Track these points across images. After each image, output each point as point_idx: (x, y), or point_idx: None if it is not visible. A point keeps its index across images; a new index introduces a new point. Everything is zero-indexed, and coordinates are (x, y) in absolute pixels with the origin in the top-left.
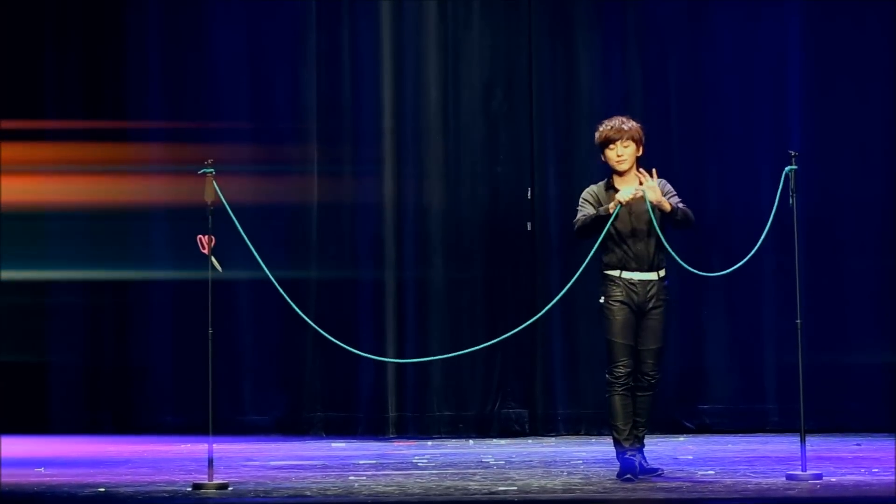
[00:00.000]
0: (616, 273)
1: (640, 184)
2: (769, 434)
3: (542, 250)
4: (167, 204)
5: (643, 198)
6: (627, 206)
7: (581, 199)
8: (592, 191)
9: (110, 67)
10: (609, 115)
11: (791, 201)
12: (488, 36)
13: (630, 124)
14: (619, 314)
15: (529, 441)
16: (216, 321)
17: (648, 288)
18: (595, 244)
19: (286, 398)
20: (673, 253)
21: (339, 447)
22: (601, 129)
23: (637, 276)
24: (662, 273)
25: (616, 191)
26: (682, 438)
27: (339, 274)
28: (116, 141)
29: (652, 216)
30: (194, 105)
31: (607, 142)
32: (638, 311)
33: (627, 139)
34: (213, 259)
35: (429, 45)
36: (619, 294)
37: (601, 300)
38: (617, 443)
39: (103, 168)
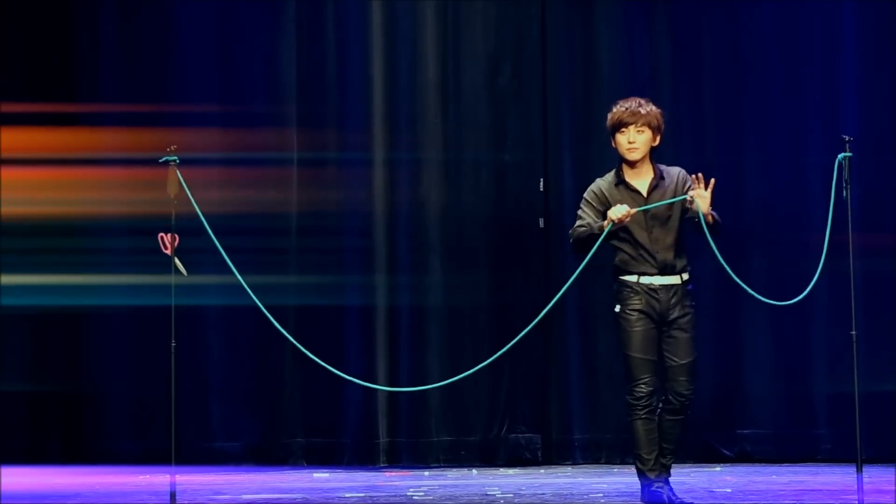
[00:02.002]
0: (633, 279)
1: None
2: (820, 464)
3: (556, 251)
4: (124, 198)
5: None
6: (634, 204)
7: (583, 200)
8: (598, 188)
9: (56, 42)
10: (632, 95)
11: (844, 194)
12: (494, 3)
13: (648, 108)
14: (637, 325)
15: (542, 471)
16: (180, 333)
17: (671, 294)
18: (592, 248)
19: (260, 422)
20: (731, 271)
21: (323, 478)
22: (615, 109)
23: (658, 280)
24: (686, 276)
25: (626, 185)
26: (718, 468)
27: (322, 279)
28: (63, 126)
29: (705, 228)
30: (154, 85)
31: (620, 125)
32: (660, 321)
33: (643, 124)
34: (178, 261)
35: (425, 13)
36: (637, 302)
37: (616, 309)
38: (641, 473)
39: (48, 158)
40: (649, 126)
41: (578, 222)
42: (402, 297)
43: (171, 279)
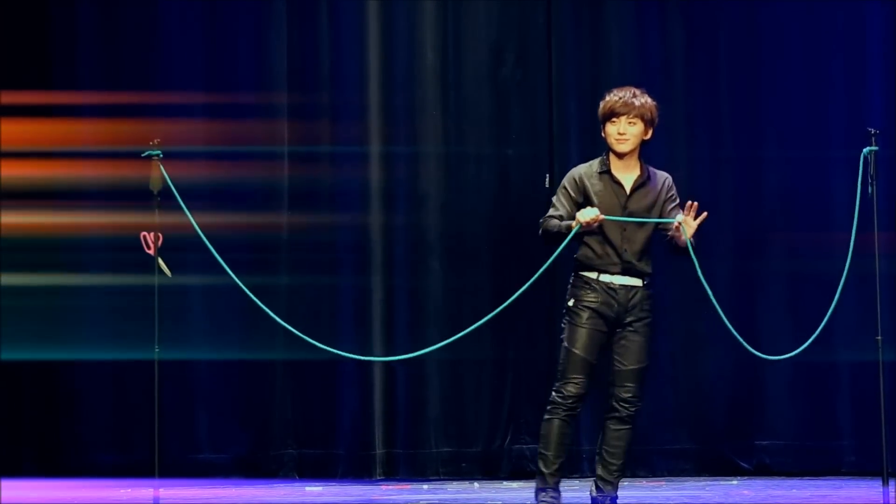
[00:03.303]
0: (593, 275)
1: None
2: (844, 477)
3: (562, 250)
4: (103, 194)
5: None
6: (621, 201)
7: (560, 189)
8: (578, 175)
9: (29, 25)
10: (644, 86)
11: (870, 190)
12: None
13: (643, 99)
14: (587, 323)
15: None
16: (164, 337)
17: (631, 295)
18: (559, 248)
19: (250, 432)
20: (733, 329)
21: (315, 492)
22: (607, 98)
23: (619, 280)
24: (648, 281)
25: (611, 176)
26: (735, 481)
27: (315, 280)
28: (39, 117)
29: (692, 254)
30: (136, 74)
31: (611, 115)
32: (615, 324)
33: (635, 116)
34: (161, 261)
35: None
36: (593, 300)
37: (570, 303)
38: (540, 476)
39: (22, 151)
40: (642, 118)
41: (552, 211)
42: (400, 298)
43: (155, 280)
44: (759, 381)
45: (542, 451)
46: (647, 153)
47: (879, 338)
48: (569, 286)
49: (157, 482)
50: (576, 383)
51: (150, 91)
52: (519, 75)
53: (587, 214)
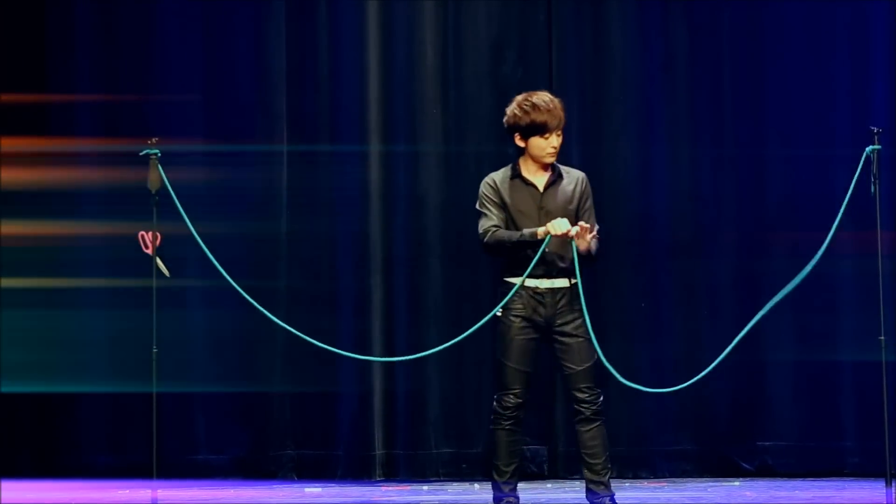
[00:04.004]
0: (517, 281)
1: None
2: (847, 478)
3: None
4: (100, 193)
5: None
6: (536, 201)
7: (482, 197)
8: (493, 181)
9: (24, 23)
10: (646, 84)
11: (873, 189)
12: None
13: (561, 106)
14: (518, 334)
15: (548, 485)
16: (162, 337)
17: (558, 298)
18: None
19: (248, 432)
20: (610, 366)
21: (314, 493)
22: (533, 112)
23: (544, 284)
24: (575, 280)
25: (523, 179)
26: (737, 483)
27: (314, 282)
28: (34, 118)
29: (574, 254)
30: (133, 73)
31: (543, 129)
32: (547, 329)
33: (561, 127)
34: (159, 261)
35: None
36: (520, 307)
37: (498, 313)
38: (495, 483)
39: (17, 152)
40: (562, 128)
41: (490, 223)
42: (399, 298)
43: (153, 281)
44: (761, 382)
45: (494, 461)
46: (649, 152)
47: (883, 338)
48: (498, 295)
49: (154, 483)
50: (514, 394)
51: (146, 91)
52: (520, 73)
53: (560, 227)
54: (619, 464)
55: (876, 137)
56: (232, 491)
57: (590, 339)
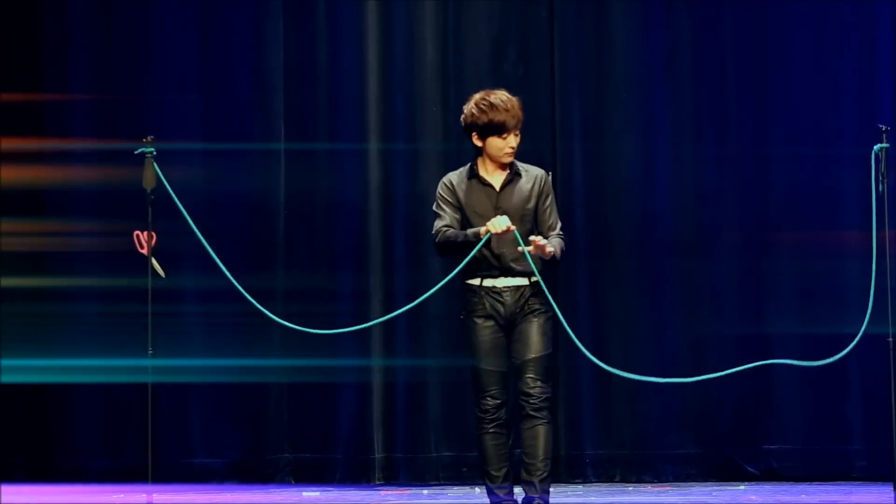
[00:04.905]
0: (476, 282)
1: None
2: (854, 482)
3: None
4: (95, 192)
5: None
6: (492, 201)
7: (438, 197)
8: (449, 181)
9: (19, 25)
10: (649, 82)
11: (881, 188)
12: None
13: (518, 105)
14: (483, 334)
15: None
16: (157, 339)
17: (517, 296)
18: (465, 260)
19: (245, 436)
20: (583, 348)
21: (312, 497)
22: (491, 112)
23: (502, 282)
24: (535, 279)
25: (480, 179)
26: (742, 487)
27: (312, 281)
28: (29, 118)
29: (526, 254)
30: (129, 72)
31: (501, 129)
32: (509, 324)
33: (518, 127)
34: (155, 262)
35: None
36: (481, 308)
37: (462, 315)
38: (488, 488)
39: (12, 152)
40: (520, 128)
41: (442, 222)
42: (399, 299)
43: (149, 281)
44: (766, 385)
45: (484, 467)
46: (652, 150)
47: (890, 339)
48: (461, 298)
49: (150, 487)
50: (492, 395)
51: (142, 89)
52: (521, 71)
53: (499, 226)
54: (623, 467)
55: (883, 136)
56: (228, 495)
57: (545, 334)
